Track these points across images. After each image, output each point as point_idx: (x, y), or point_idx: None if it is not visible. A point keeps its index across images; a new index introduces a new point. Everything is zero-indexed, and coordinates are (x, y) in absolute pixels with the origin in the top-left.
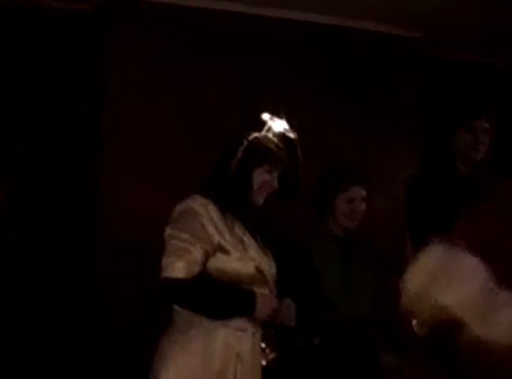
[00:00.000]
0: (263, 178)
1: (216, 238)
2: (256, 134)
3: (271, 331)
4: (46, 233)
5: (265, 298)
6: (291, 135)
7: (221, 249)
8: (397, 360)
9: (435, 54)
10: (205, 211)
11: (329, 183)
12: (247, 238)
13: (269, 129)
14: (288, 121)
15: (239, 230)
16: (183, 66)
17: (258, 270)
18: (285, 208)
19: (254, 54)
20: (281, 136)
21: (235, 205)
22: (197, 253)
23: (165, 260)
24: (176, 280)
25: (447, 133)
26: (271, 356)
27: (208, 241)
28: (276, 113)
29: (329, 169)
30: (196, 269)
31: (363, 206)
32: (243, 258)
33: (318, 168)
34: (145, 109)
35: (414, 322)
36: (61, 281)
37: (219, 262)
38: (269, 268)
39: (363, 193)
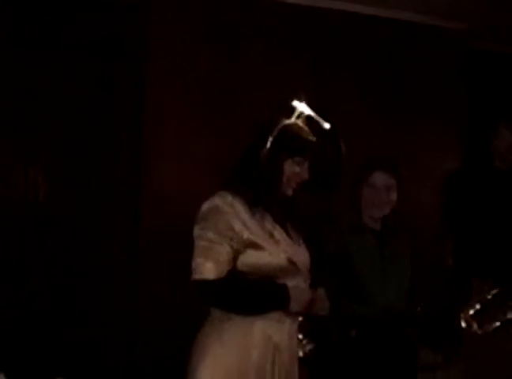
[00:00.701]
0: (294, 170)
1: (245, 235)
2: (286, 122)
3: (307, 322)
4: (87, 221)
5: (299, 292)
6: (325, 124)
7: (251, 244)
8: (435, 356)
9: (482, 46)
10: (231, 208)
11: (357, 174)
12: (277, 231)
13: (299, 115)
14: (323, 114)
15: (268, 223)
16: (227, 46)
17: (291, 262)
18: (321, 200)
19: (297, 43)
20: (313, 123)
21: (264, 199)
22: (226, 252)
23: (194, 262)
24: (207, 282)
25: (489, 130)
26: (308, 347)
27: (236, 238)
28: (309, 104)
29: (365, 162)
30: (225, 269)
31: (391, 195)
32: (274, 251)
33: (358, 162)
34: (188, 96)
35: None
36: (102, 268)
37: (250, 258)
38: (303, 257)
39: (388, 180)
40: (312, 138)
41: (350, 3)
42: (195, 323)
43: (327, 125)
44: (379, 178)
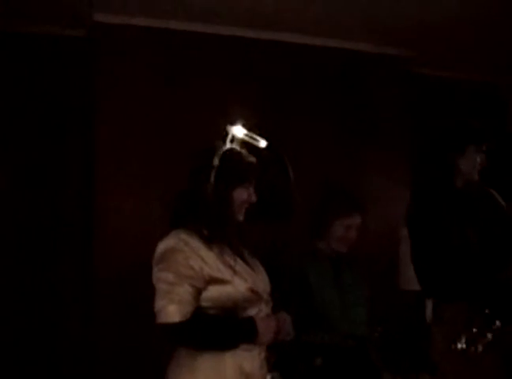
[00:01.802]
0: (243, 197)
1: (205, 271)
2: (223, 149)
3: (272, 351)
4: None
5: (266, 323)
6: (261, 142)
7: (212, 280)
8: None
9: (427, 72)
10: (187, 246)
11: (328, 207)
12: (236, 262)
13: (233, 139)
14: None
15: (226, 255)
16: (170, 84)
17: (252, 291)
18: (274, 227)
19: (247, 74)
20: (251, 146)
21: (219, 233)
22: (187, 293)
23: (157, 305)
24: (172, 325)
25: (452, 152)
26: (273, 376)
27: (195, 277)
28: (246, 126)
29: (329, 193)
30: (189, 309)
31: (356, 233)
32: (236, 283)
33: (311, 189)
34: (137, 129)
35: None
36: (54, 295)
37: (212, 293)
38: (263, 284)
39: (360, 221)
40: (252, 159)
41: (299, 35)
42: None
43: (263, 144)
44: (356, 221)
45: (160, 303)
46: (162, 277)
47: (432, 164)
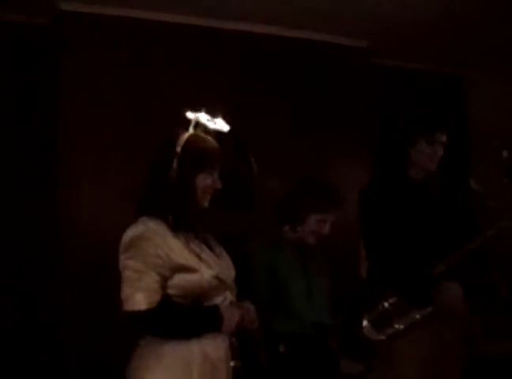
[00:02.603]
0: (206, 183)
1: (171, 259)
2: (186, 135)
3: (235, 338)
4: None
5: (230, 312)
6: (224, 127)
7: (179, 268)
8: (357, 366)
9: (385, 63)
10: (154, 234)
11: (306, 200)
12: (203, 250)
13: (197, 125)
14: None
15: (193, 243)
16: (135, 73)
17: (218, 279)
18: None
19: (211, 65)
20: (214, 131)
21: (185, 219)
22: (154, 281)
23: (123, 293)
24: (139, 313)
25: (404, 141)
26: (232, 364)
27: (162, 265)
28: (209, 113)
29: (305, 185)
30: (156, 297)
31: (329, 228)
32: (202, 271)
33: (274, 178)
34: (104, 121)
35: None
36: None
37: (179, 281)
38: (228, 272)
39: (334, 217)
40: (216, 145)
41: (257, 24)
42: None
43: (226, 128)
44: (331, 216)
45: (126, 291)
46: (129, 265)
47: (387, 155)
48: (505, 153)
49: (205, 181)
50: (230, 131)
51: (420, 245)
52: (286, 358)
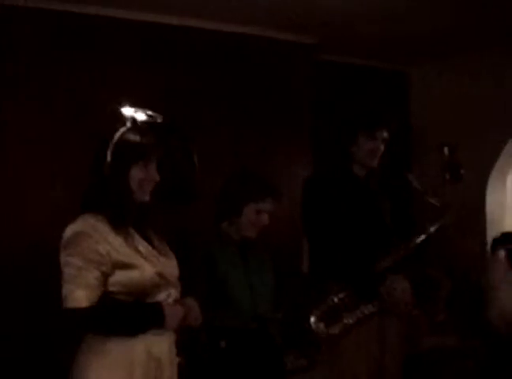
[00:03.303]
0: (139, 176)
1: (112, 256)
2: (121, 131)
3: (177, 335)
4: None
5: (173, 309)
6: (158, 119)
7: (119, 264)
8: (300, 360)
9: (330, 59)
10: (94, 231)
11: (240, 191)
12: (143, 246)
13: (133, 120)
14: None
15: (133, 239)
16: (71, 68)
17: (159, 275)
18: (180, 210)
19: (147, 60)
20: (147, 125)
21: (123, 214)
22: (94, 278)
23: (64, 290)
24: (80, 310)
25: (347, 138)
26: (177, 361)
27: (102, 261)
28: (138, 106)
29: (240, 177)
30: (96, 294)
31: (268, 218)
32: (143, 268)
33: (217, 173)
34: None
35: None
36: None
37: (120, 278)
38: (171, 268)
39: (272, 206)
40: (150, 139)
41: (202, 20)
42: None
43: (159, 119)
44: (270, 206)
45: (67, 288)
46: (69, 262)
47: (330, 151)
48: (446, 150)
49: (138, 173)
50: (172, 126)
51: (363, 240)
52: (227, 354)
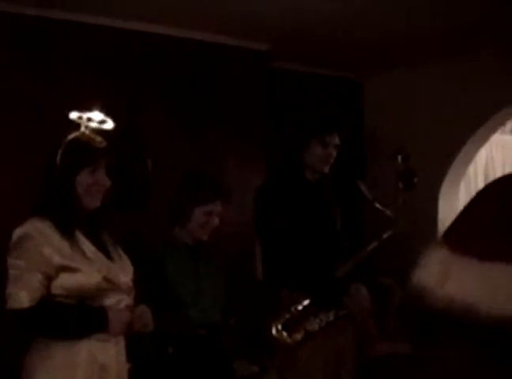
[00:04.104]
0: (87, 182)
1: (56, 260)
2: (70, 136)
3: (125, 341)
4: None
5: (117, 313)
6: (108, 125)
7: (64, 268)
8: (251, 367)
9: (282, 66)
10: (40, 234)
11: (188, 194)
12: (91, 250)
13: (86, 125)
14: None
15: (80, 243)
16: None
17: (107, 280)
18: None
19: (100, 65)
20: (97, 130)
21: (70, 217)
22: (36, 280)
23: (7, 291)
24: (21, 311)
25: (299, 144)
26: (127, 367)
27: (46, 264)
28: (90, 109)
29: (188, 180)
30: (38, 296)
31: (218, 220)
32: (88, 272)
33: (169, 179)
34: None
35: None
36: None
37: (64, 281)
38: (121, 273)
39: (221, 207)
40: (100, 144)
41: (152, 24)
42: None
43: (109, 126)
44: (217, 208)
45: (9, 289)
46: (14, 263)
47: (282, 157)
48: (399, 158)
49: (86, 179)
50: (125, 132)
51: (314, 246)
52: (174, 360)
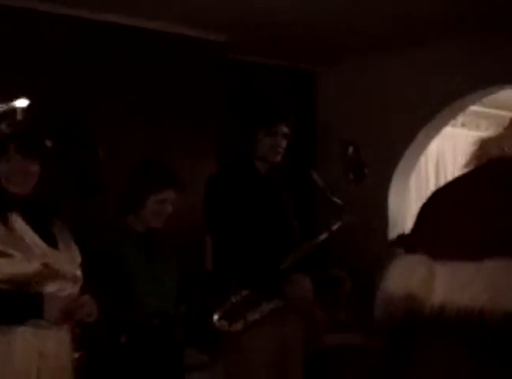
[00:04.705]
0: (2, 169)
1: None
2: None
3: (77, 328)
4: None
5: (54, 300)
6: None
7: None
8: (201, 356)
9: (239, 58)
10: None
11: (142, 182)
12: (30, 237)
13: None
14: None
15: (19, 230)
16: None
17: (47, 267)
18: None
19: (51, 52)
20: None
21: (5, 205)
22: None
23: None
24: None
25: (248, 134)
26: (75, 355)
27: None
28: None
29: (141, 168)
30: None
31: (171, 208)
32: (26, 258)
33: (122, 167)
34: None
35: None
36: None
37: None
38: (65, 262)
39: (174, 195)
40: (7, 130)
41: (113, 14)
42: None
43: (23, 103)
44: (169, 194)
45: None
46: None
47: (233, 147)
48: (350, 149)
49: (3, 167)
50: (75, 120)
51: (265, 237)
52: (127, 349)
